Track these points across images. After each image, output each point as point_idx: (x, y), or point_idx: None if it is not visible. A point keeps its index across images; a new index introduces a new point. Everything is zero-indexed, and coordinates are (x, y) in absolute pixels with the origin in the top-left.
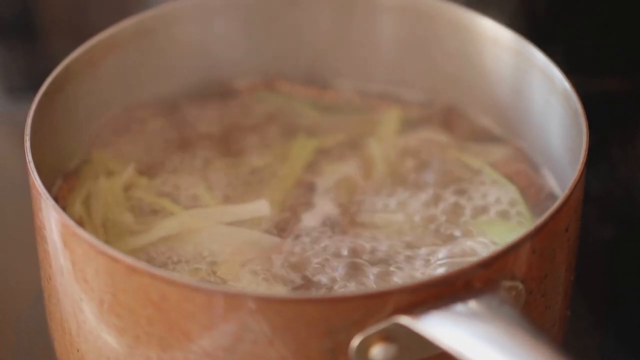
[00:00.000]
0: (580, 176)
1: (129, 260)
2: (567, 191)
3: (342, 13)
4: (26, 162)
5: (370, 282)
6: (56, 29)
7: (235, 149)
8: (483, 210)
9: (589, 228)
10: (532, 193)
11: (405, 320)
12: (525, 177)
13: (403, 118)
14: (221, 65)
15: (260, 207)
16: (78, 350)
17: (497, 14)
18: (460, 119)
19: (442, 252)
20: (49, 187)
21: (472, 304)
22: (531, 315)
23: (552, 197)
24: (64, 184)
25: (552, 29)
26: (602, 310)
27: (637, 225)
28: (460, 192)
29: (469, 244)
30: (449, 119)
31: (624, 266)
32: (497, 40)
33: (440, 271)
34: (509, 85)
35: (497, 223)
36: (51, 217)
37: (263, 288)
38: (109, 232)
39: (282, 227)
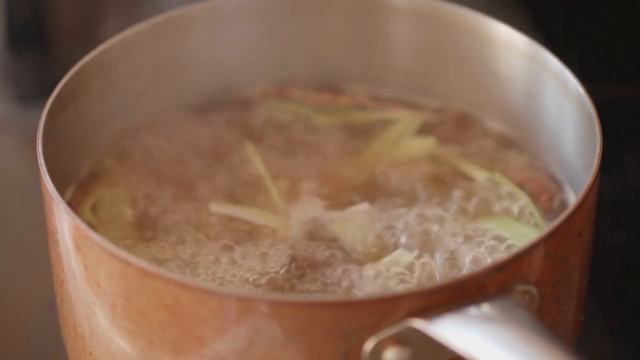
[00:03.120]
0: (594, 180)
1: (142, 263)
2: (580, 196)
3: (355, 18)
4: (38, 167)
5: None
6: (67, 36)
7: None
8: (490, 212)
9: (602, 234)
10: (545, 199)
11: (418, 323)
12: (538, 183)
13: (416, 123)
14: (233, 71)
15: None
16: (91, 354)
17: (510, 20)
18: (473, 124)
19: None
20: (61, 192)
21: (486, 308)
22: (544, 320)
23: (565, 203)
24: (77, 190)
25: (566, 36)
26: (615, 315)
27: None
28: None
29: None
30: (462, 124)
31: (637, 271)
32: (511, 45)
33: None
34: (522, 90)
35: (505, 219)
36: (63, 221)
37: None
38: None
39: None
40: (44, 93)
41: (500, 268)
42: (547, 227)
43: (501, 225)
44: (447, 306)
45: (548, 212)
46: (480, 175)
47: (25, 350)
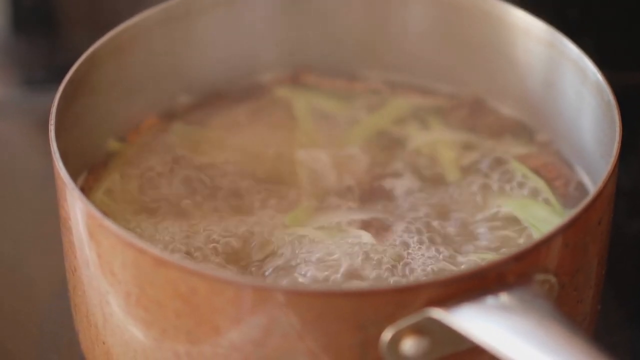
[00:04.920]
0: (614, 168)
1: (157, 252)
2: (600, 183)
3: (371, 4)
4: (48, 152)
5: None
6: (77, 21)
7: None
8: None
9: (618, 222)
10: (561, 185)
11: (437, 313)
12: (553, 168)
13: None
14: (247, 57)
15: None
16: (104, 343)
17: (527, 6)
18: (489, 111)
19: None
20: (74, 178)
21: (505, 297)
22: (563, 309)
23: (581, 189)
24: (89, 175)
25: (583, 22)
26: (633, 304)
27: None
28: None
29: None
30: (477, 110)
31: None
32: (529, 31)
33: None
34: (540, 77)
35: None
36: (77, 208)
37: None
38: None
39: None
40: (52, 78)
41: (520, 257)
42: (564, 213)
43: (517, 207)
44: (466, 296)
45: (564, 197)
46: (497, 160)
47: (38, 338)
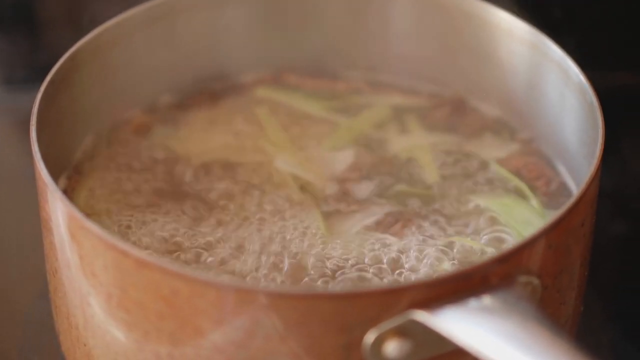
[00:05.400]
0: (597, 170)
1: (140, 254)
2: (583, 185)
3: (354, 3)
4: (29, 152)
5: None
6: (57, 20)
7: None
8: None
9: (600, 223)
10: (542, 184)
11: (420, 315)
12: (534, 168)
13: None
14: (229, 57)
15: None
16: (85, 345)
17: (509, 5)
18: (471, 110)
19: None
20: (55, 178)
21: (488, 300)
22: (546, 311)
23: (564, 189)
24: (71, 175)
25: (565, 22)
26: (614, 305)
27: None
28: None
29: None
30: (459, 109)
31: (635, 262)
32: (512, 32)
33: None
34: (523, 78)
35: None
36: (58, 209)
37: None
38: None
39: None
40: (32, 77)
41: (504, 259)
42: (546, 214)
43: (498, 208)
44: (449, 298)
45: (546, 196)
46: (475, 161)
47: (19, 340)
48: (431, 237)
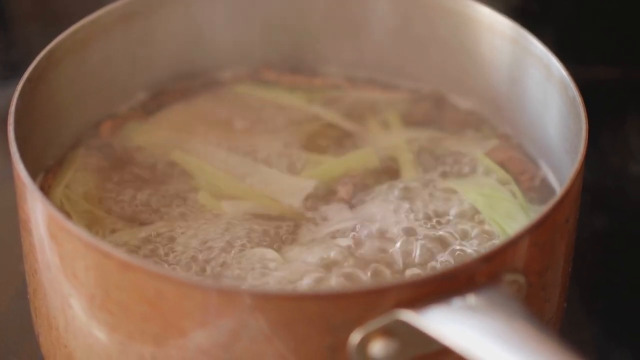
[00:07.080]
0: (581, 166)
1: (123, 256)
2: (568, 182)
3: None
4: (7, 152)
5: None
6: (30, 17)
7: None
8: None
9: (581, 218)
10: (525, 179)
11: (406, 315)
12: (518, 163)
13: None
14: (207, 53)
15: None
16: (66, 347)
17: (489, 2)
18: (451, 105)
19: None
20: (33, 177)
21: (473, 298)
22: (531, 309)
23: (546, 184)
24: (48, 174)
25: (543, 16)
26: (596, 301)
27: (629, 216)
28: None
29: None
30: (439, 105)
31: (616, 257)
32: (493, 27)
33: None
34: (504, 73)
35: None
36: (37, 210)
37: None
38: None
39: None
40: (5, 75)
41: (489, 258)
42: (529, 209)
43: (480, 201)
44: (435, 297)
45: (529, 191)
46: (460, 155)
47: None
48: (413, 233)
